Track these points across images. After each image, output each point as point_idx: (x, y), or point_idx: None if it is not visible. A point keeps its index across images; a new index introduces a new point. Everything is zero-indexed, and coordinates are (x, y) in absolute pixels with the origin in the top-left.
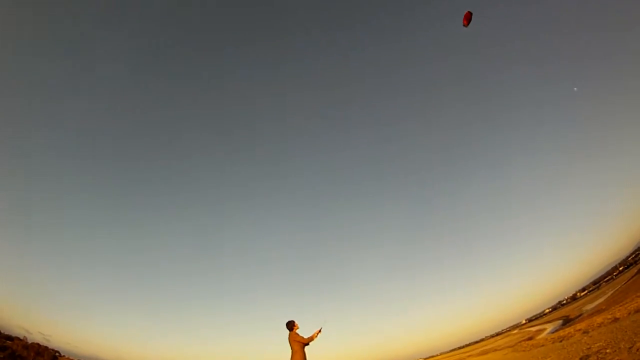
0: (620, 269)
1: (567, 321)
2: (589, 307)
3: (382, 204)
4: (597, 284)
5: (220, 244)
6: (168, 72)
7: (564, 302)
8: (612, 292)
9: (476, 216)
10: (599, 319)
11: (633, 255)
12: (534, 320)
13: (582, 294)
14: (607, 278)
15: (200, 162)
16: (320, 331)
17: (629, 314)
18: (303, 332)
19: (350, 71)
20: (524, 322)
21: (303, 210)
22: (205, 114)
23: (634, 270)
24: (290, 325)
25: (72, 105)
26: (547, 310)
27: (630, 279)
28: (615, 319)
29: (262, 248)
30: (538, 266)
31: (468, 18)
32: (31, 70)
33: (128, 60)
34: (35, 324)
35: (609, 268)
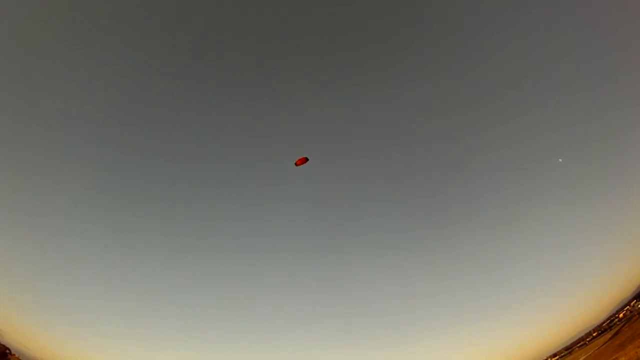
0: (594, 334)
1: None
2: None
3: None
4: (570, 350)
5: (216, 250)
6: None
7: None
8: (584, 357)
9: (450, 283)
10: None
11: (608, 321)
12: None
13: (554, 359)
14: (581, 343)
15: (204, 167)
16: None
17: None
18: None
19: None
20: None
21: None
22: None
23: (608, 335)
24: None
25: (73, 105)
26: None
27: (603, 345)
28: None
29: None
30: (508, 331)
31: (302, 162)
32: (33, 70)
33: (128, 60)
34: None
35: (583, 333)
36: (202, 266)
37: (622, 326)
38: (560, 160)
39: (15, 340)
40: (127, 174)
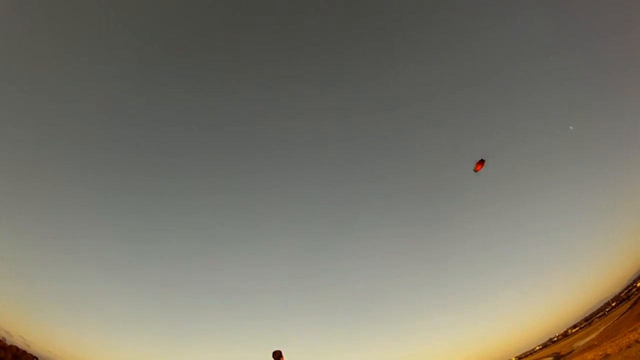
0: (613, 304)
1: (557, 358)
2: (581, 343)
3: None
4: (589, 321)
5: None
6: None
7: (555, 338)
8: (604, 327)
9: (465, 256)
10: (590, 356)
11: (626, 291)
12: (524, 357)
13: (574, 330)
14: (600, 314)
15: (204, 169)
16: None
17: (620, 349)
18: None
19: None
20: (514, 359)
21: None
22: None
23: (627, 305)
24: (278, 355)
25: (74, 105)
26: (538, 348)
27: (622, 315)
28: (607, 355)
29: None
30: (529, 303)
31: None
32: (35, 71)
33: (127, 60)
34: (18, 327)
35: (602, 304)
36: (203, 257)
37: None
38: (571, 127)
39: (43, 349)
40: (132, 173)
